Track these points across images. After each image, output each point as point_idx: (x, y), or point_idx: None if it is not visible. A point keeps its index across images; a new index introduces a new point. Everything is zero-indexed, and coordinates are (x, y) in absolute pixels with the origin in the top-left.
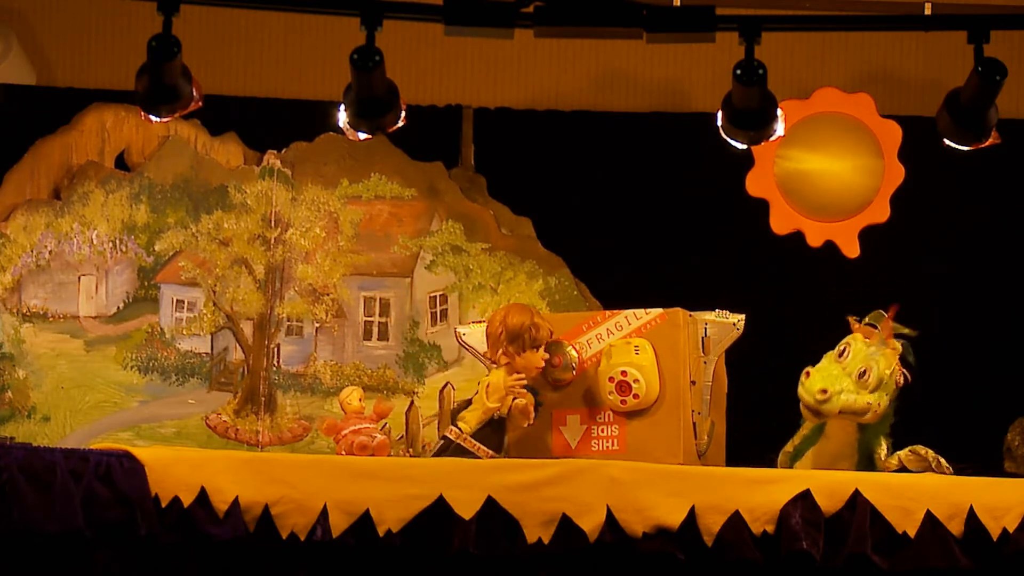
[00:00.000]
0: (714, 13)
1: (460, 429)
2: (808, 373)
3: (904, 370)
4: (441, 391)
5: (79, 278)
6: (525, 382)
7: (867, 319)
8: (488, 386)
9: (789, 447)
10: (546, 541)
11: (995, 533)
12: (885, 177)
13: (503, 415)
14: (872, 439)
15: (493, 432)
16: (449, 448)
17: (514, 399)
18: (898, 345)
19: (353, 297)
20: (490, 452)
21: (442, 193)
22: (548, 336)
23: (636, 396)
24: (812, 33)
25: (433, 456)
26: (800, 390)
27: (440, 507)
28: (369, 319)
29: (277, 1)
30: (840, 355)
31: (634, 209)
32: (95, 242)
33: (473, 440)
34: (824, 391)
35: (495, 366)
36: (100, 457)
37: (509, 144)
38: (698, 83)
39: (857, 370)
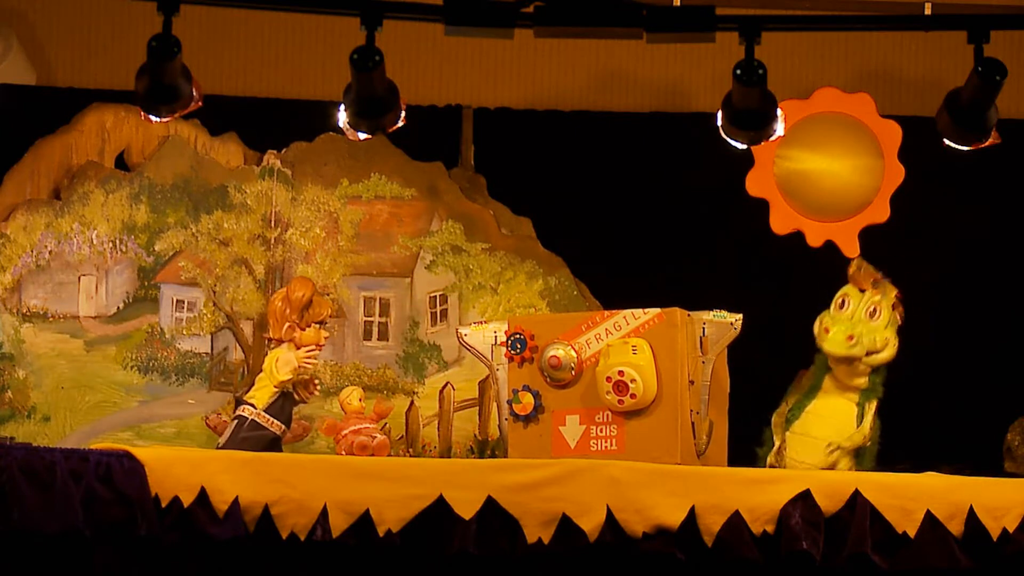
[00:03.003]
0: (714, 13)
1: (253, 406)
2: (828, 329)
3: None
4: (441, 391)
5: (79, 278)
6: (316, 355)
7: (851, 270)
8: (278, 360)
9: (779, 418)
10: (546, 541)
11: (995, 533)
12: (885, 177)
13: (289, 390)
14: (866, 400)
15: (283, 407)
16: (244, 425)
17: (300, 374)
18: (888, 285)
19: (353, 297)
20: (282, 426)
21: (442, 193)
22: (327, 314)
23: (633, 396)
24: (812, 33)
25: (228, 436)
26: (826, 346)
27: (440, 507)
28: (369, 319)
29: (277, 1)
30: (841, 307)
31: (634, 209)
32: (95, 242)
33: (267, 415)
34: (851, 336)
35: (273, 344)
36: (100, 457)
37: (509, 144)
38: (698, 83)
39: (866, 311)
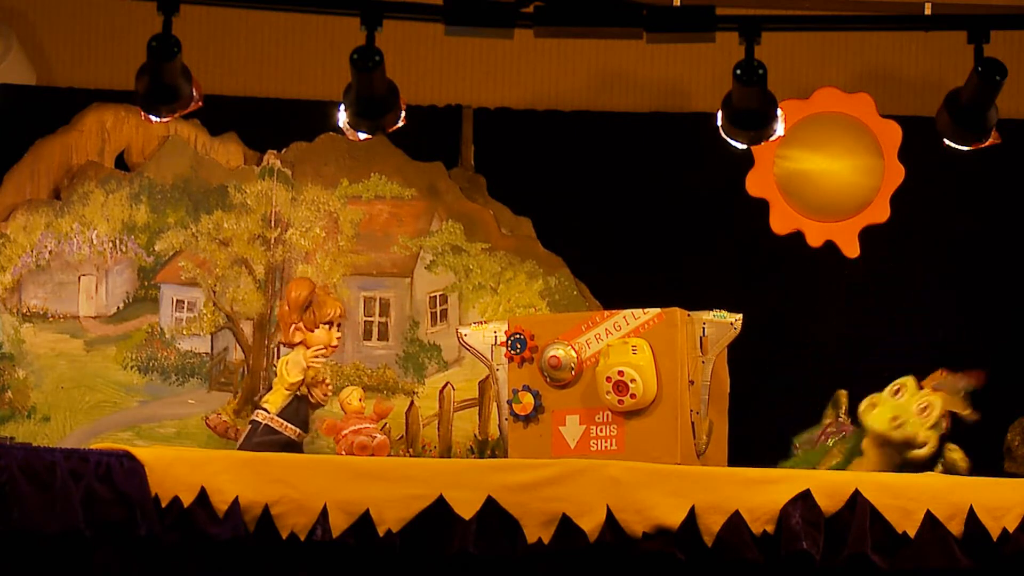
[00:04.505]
0: (714, 13)
1: (266, 411)
2: (875, 405)
3: (952, 414)
4: (441, 391)
5: (79, 278)
6: (325, 354)
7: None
8: (287, 363)
9: None
10: (546, 541)
11: (995, 533)
12: (885, 177)
13: (304, 393)
14: None
15: (298, 410)
16: (258, 430)
17: (312, 375)
18: (950, 392)
19: (353, 297)
20: (296, 430)
21: (442, 193)
22: (337, 314)
23: (633, 396)
24: (812, 33)
25: (242, 441)
26: (868, 420)
27: (440, 507)
28: (369, 319)
29: (277, 1)
30: (895, 394)
31: (634, 209)
32: (95, 242)
33: (280, 419)
34: (896, 418)
35: (286, 349)
36: (100, 457)
37: (509, 144)
38: (698, 83)
39: (918, 405)
